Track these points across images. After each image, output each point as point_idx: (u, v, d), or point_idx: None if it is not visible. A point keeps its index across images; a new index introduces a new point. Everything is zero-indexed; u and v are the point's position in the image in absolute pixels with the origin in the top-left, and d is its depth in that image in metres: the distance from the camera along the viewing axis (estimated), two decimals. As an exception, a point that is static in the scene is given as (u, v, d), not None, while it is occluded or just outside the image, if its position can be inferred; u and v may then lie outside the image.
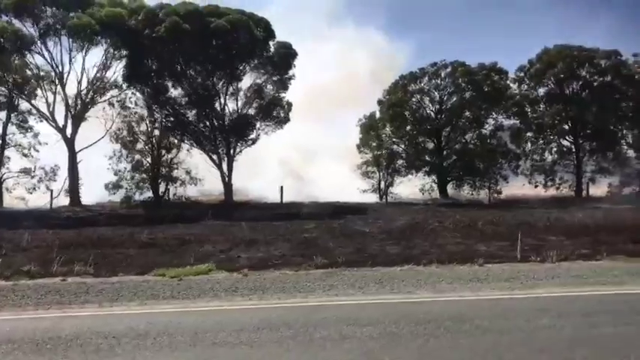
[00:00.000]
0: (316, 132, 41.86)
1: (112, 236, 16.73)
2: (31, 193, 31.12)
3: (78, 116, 30.47)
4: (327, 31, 64.28)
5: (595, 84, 34.37)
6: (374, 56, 58.53)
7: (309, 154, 40.51)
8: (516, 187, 36.48)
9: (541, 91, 35.31)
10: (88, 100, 30.72)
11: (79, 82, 30.02)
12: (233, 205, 30.41)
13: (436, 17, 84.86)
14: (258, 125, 33.17)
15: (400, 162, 34.08)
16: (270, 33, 31.38)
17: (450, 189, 34.73)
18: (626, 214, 23.38)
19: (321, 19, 73.80)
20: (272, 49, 32.34)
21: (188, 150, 32.28)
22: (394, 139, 34.59)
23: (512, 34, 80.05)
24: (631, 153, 36.41)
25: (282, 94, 33.94)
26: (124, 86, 30.73)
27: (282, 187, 31.57)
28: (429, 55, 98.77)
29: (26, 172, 31.12)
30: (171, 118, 31.77)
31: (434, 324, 6.83)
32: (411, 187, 35.24)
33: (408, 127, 34.19)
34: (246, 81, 32.79)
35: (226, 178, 32.36)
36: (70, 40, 28.70)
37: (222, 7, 30.74)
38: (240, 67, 31.09)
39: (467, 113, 34.01)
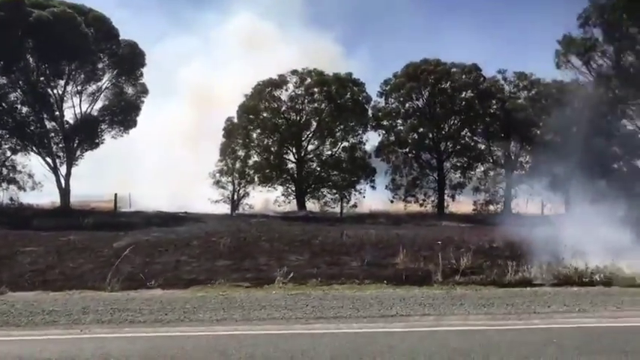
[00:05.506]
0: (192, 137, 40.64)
1: None
2: None
3: None
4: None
5: (458, 99, 33.66)
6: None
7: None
8: (382, 202, 35.53)
9: (406, 105, 34.36)
10: None
11: None
12: (64, 212, 28.47)
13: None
14: (104, 127, 31.60)
15: (252, 172, 32.41)
16: (110, 31, 29.73)
17: (308, 202, 33.46)
18: (443, 232, 22.18)
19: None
20: (121, 48, 30.91)
21: (20, 151, 30.37)
22: (251, 147, 32.99)
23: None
24: (498, 170, 35.89)
25: (142, 97, 32.84)
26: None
27: (115, 195, 29.81)
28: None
29: None
30: (4, 117, 29.69)
31: None
32: (272, 197, 33.94)
33: (263, 135, 32.74)
34: (95, 81, 31.24)
35: (63, 184, 30.37)
36: None
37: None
38: (73, 65, 29.21)
39: (327, 124, 32.85)
